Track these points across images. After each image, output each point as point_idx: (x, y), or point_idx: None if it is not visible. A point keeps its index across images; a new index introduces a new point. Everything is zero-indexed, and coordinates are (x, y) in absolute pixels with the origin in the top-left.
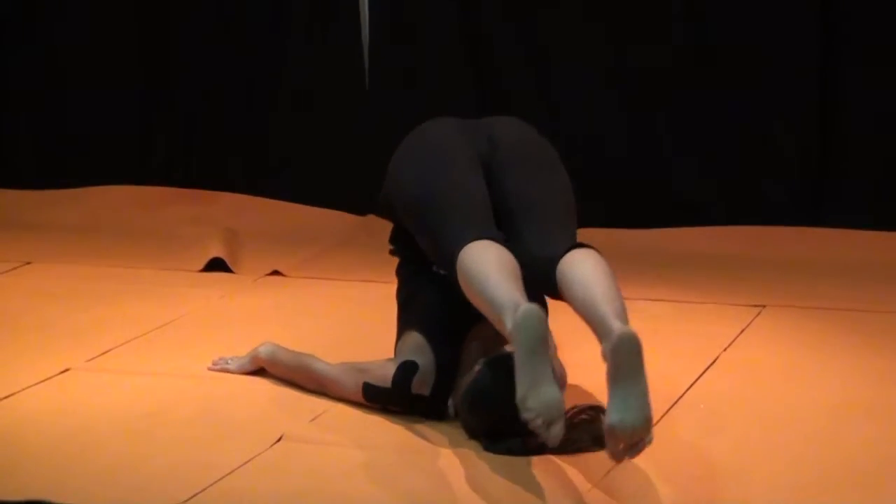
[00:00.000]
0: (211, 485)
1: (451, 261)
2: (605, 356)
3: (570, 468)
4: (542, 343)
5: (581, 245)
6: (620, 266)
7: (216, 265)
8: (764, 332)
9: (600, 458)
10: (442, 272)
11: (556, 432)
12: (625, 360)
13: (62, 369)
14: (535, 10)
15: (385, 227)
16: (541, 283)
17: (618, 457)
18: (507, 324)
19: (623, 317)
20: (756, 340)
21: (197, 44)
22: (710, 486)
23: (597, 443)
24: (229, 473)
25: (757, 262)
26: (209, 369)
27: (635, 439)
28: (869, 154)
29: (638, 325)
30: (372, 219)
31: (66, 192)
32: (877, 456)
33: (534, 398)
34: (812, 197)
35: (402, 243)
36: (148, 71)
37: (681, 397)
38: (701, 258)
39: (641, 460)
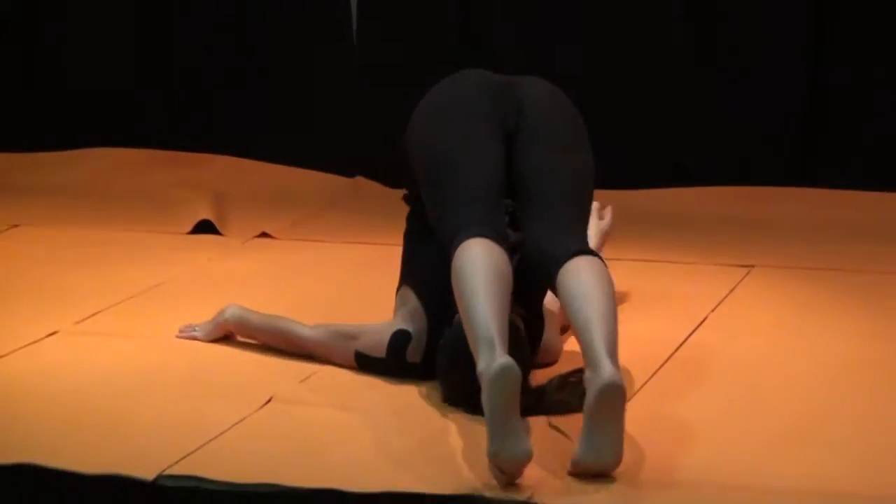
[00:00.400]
0: (201, 446)
1: (447, 246)
2: (586, 384)
3: (561, 428)
4: (513, 399)
5: (588, 252)
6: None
7: (204, 227)
8: (752, 292)
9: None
10: None
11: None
12: (607, 406)
13: (50, 332)
14: None
15: (372, 191)
16: (541, 277)
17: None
18: (480, 367)
19: (613, 352)
20: (745, 301)
21: (188, 6)
22: (699, 445)
23: (583, 403)
24: (219, 435)
25: (745, 222)
26: (177, 337)
27: (601, 473)
28: (858, 114)
29: (627, 286)
30: (360, 181)
31: (54, 154)
32: (863, 412)
33: (504, 455)
34: (801, 156)
35: (415, 194)
36: (140, 34)
37: (670, 357)
38: (689, 219)
39: (630, 419)
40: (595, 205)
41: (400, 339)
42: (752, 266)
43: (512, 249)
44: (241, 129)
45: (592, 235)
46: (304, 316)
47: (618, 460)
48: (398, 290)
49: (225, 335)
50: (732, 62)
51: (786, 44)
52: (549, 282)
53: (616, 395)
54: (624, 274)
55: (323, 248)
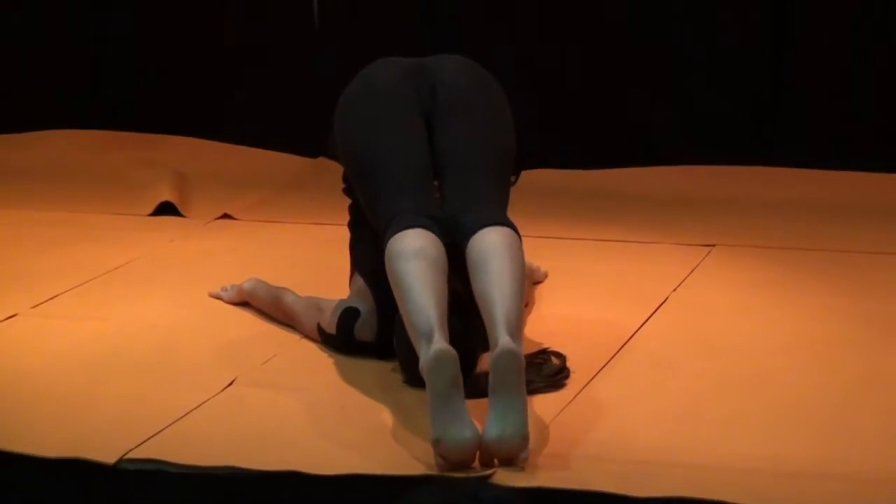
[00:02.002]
0: (162, 430)
1: (381, 236)
2: (490, 354)
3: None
4: (454, 384)
5: (499, 222)
6: (572, 206)
7: (166, 209)
8: (714, 271)
9: (554, 397)
10: None
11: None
12: (503, 375)
13: (8, 315)
14: None
15: (336, 170)
16: (458, 248)
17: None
18: (420, 356)
19: (513, 325)
20: (706, 280)
21: None
22: (661, 425)
23: (549, 384)
24: (180, 418)
25: (706, 201)
26: (209, 295)
27: (510, 455)
28: (819, 93)
29: (589, 267)
30: (322, 161)
31: (11, 136)
32: (826, 391)
33: (447, 440)
34: (761, 135)
35: (350, 185)
36: (98, 13)
37: (631, 337)
38: (650, 198)
39: (591, 399)
40: (535, 265)
41: (349, 316)
42: (714, 245)
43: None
44: (201, 109)
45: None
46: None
47: (524, 437)
48: (351, 274)
49: (242, 302)
50: (693, 43)
51: (746, 24)
52: (461, 254)
53: (512, 362)
54: (586, 254)
55: (286, 229)
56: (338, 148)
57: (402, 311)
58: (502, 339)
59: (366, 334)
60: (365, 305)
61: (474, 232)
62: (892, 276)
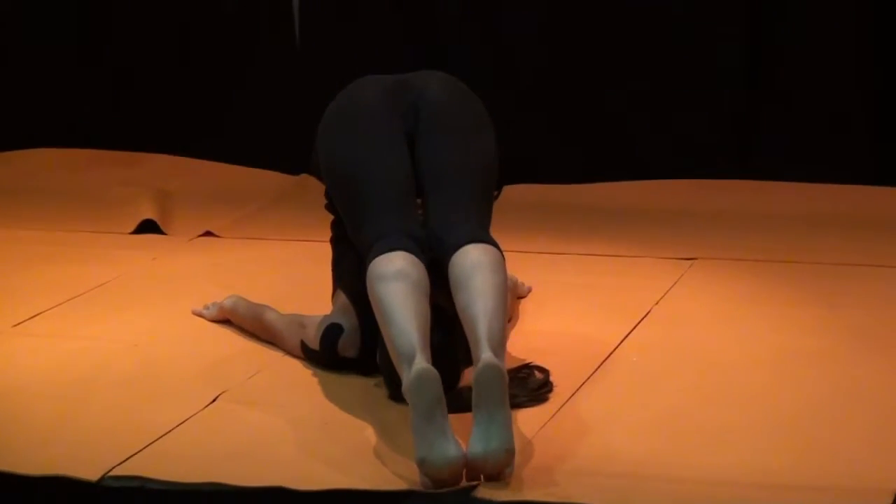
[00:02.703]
0: (146, 446)
1: (364, 256)
2: (474, 369)
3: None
4: (437, 404)
5: (481, 239)
6: (553, 221)
7: (147, 227)
8: (695, 284)
9: (537, 411)
10: None
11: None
12: (487, 390)
13: None
14: None
15: (318, 187)
16: (441, 266)
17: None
18: (402, 378)
19: (496, 341)
20: (688, 293)
21: (126, 4)
22: (645, 439)
23: (533, 398)
24: (164, 435)
25: (687, 215)
26: (192, 312)
27: (496, 470)
28: (796, 108)
29: (571, 281)
30: (305, 178)
31: None
32: (809, 403)
33: (432, 459)
34: (740, 149)
35: (333, 203)
36: (78, 32)
37: (614, 351)
38: (632, 212)
39: (574, 413)
40: (519, 280)
41: (332, 332)
42: (695, 258)
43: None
44: (182, 127)
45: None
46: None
47: (509, 451)
48: (333, 289)
49: (224, 319)
50: (677, 62)
51: (727, 46)
52: (444, 270)
53: (495, 377)
54: (570, 268)
55: (268, 246)
56: (321, 168)
57: (383, 333)
58: (485, 355)
59: (349, 350)
60: (348, 322)
61: (456, 249)
62: (870, 287)
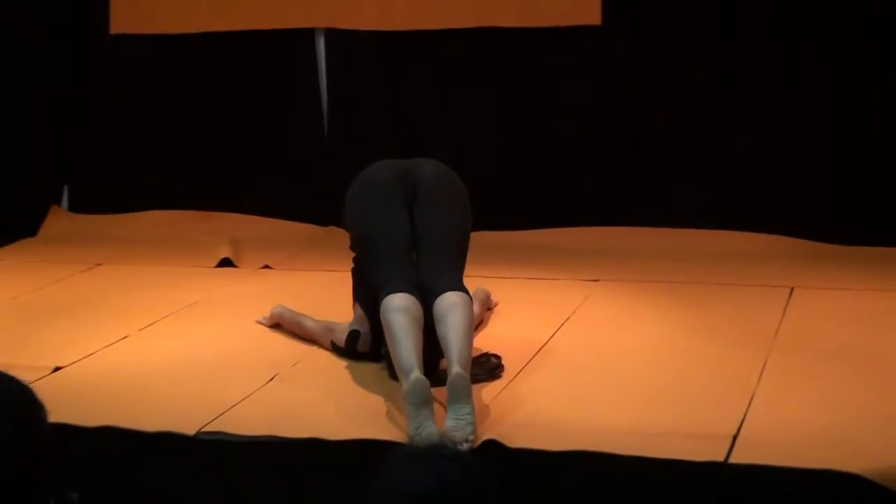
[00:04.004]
0: (224, 411)
1: (376, 294)
2: (448, 379)
3: (474, 393)
4: (425, 401)
5: (456, 288)
6: (495, 256)
7: (225, 262)
8: (600, 297)
9: (493, 385)
10: None
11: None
12: (456, 391)
13: (123, 336)
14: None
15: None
16: (428, 302)
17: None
18: (403, 384)
19: (464, 359)
20: (595, 304)
21: (207, 106)
22: (566, 404)
23: (489, 376)
24: (236, 404)
25: (592, 250)
26: (255, 321)
27: (461, 440)
28: (669, 172)
29: (516, 296)
30: (332, 229)
31: (121, 215)
32: (674, 378)
33: (418, 436)
34: (629, 204)
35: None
36: (170, 131)
37: (545, 344)
38: (554, 249)
39: (518, 386)
40: (489, 292)
41: (353, 336)
42: (598, 280)
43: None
44: (245, 194)
45: (479, 303)
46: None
47: (473, 429)
48: (353, 302)
49: (275, 324)
50: (577, 137)
51: (615, 119)
52: (429, 308)
53: (460, 384)
54: (509, 288)
55: (307, 275)
56: (347, 225)
57: (390, 349)
58: (455, 369)
59: (364, 347)
60: (364, 328)
61: (440, 294)
62: (722, 299)
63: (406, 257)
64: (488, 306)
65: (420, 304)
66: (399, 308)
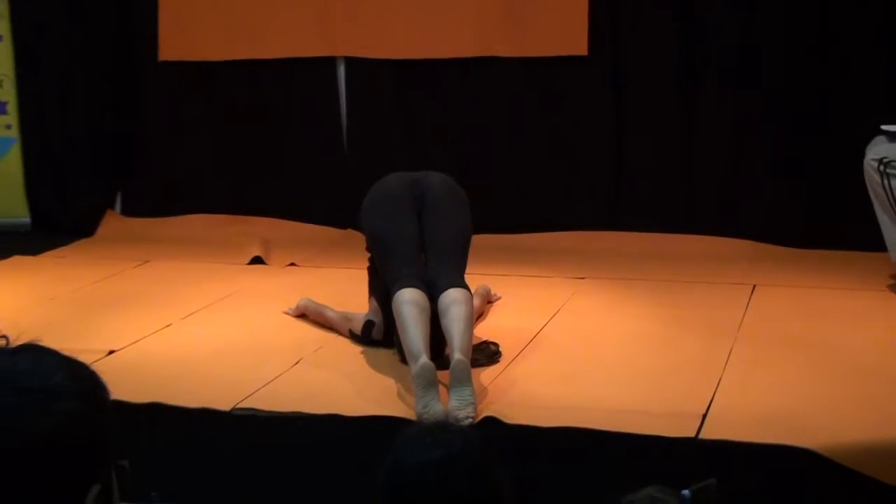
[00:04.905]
0: (256, 391)
1: (389, 288)
2: (451, 364)
3: (474, 376)
4: (432, 383)
5: (458, 284)
6: (493, 256)
7: (256, 260)
8: (586, 293)
9: (492, 369)
10: None
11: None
12: (458, 375)
13: (166, 324)
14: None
15: (357, 238)
16: (434, 297)
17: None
18: (412, 367)
19: (464, 348)
20: (581, 298)
21: (242, 124)
22: (557, 386)
23: (489, 361)
24: (266, 384)
25: (576, 252)
26: (283, 312)
27: (464, 417)
28: (648, 183)
29: (513, 291)
30: (349, 232)
31: (166, 219)
32: (651, 362)
33: (426, 413)
34: (610, 211)
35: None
36: (209, 146)
37: (538, 333)
38: (545, 250)
39: (514, 370)
40: (489, 288)
41: (368, 325)
42: (584, 277)
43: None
44: (274, 200)
45: (479, 297)
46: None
47: (473, 408)
48: (369, 296)
49: (300, 315)
50: (566, 153)
51: (599, 137)
52: (435, 303)
53: (462, 369)
54: (506, 284)
55: (328, 272)
56: (364, 228)
57: (401, 337)
58: (457, 356)
59: (378, 335)
60: (378, 318)
61: (443, 290)
62: (695, 295)
63: (414, 256)
64: (489, 300)
65: (427, 297)
66: (409, 301)
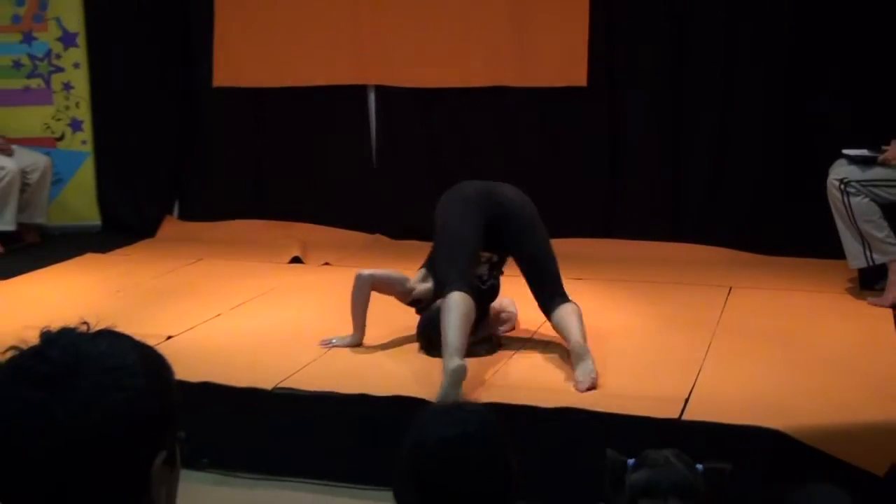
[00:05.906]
0: (295, 372)
1: (443, 288)
2: (571, 350)
3: (476, 365)
4: (459, 383)
5: (565, 298)
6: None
7: (295, 260)
8: (584, 292)
9: (491, 359)
10: None
11: None
12: (580, 353)
13: (216, 314)
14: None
15: (384, 242)
16: (543, 311)
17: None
18: (446, 362)
19: (582, 337)
20: (579, 297)
21: (285, 143)
22: (555, 371)
23: (489, 351)
24: (302, 368)
25: (575, 256)
26: (320, 344)
27: (591, 383)
28: (638, 197)
29: (514, 291)
30: (378, 237)
31: (217, 223)
32: (640, 352)
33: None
34: (604, 221)
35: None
36: (256, 160)
37: (538, 329)
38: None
39: (518, 359)
40: (511, 300)
41: (419, 306)
42: (582, 279)
43: (480, 288)
44: (312, 208)
45: (510, 303)
46: (345, 296)
47: (595, 376)
48: (423, 266)
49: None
50: (567, 171)
51: (596, 157)
52: (547, 316)
53: (582, 348)
54: (513, 284)
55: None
56: (436, 220)
57: (443, 332)
58: (576, 339)
59: (423, 308)
60: (426, 288)
61: (554, 308)
62: (674, 294)
63: (471, 262)
64: (508, 311)
65: (473, 302)
66: (459, 304)
